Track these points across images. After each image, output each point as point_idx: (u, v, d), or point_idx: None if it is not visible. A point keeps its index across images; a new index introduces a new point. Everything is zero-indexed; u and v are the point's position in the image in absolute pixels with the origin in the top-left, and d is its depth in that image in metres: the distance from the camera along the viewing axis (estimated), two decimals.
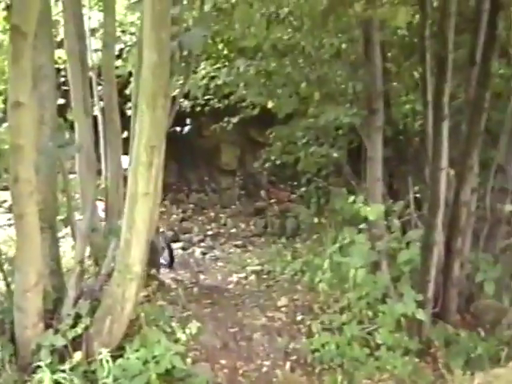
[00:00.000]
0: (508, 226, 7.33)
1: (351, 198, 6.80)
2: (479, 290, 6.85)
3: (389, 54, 10.30)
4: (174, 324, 5.66)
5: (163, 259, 10.04)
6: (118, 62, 9.96)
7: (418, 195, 8.02)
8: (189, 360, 5.72)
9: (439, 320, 6.75)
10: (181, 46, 5.48)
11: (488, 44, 6.50)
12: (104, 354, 4.82)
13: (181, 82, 7.85)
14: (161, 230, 10.18)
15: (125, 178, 5.98)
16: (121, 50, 11.08)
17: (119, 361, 5.00)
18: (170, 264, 10.30)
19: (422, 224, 7.13)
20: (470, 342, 6.28)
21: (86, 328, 5.18)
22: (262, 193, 15.42)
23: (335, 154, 10.43)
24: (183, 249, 12.31)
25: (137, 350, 5.15)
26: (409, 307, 6.18)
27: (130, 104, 8.11)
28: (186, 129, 13.94)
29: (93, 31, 9.30)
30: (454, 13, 6.08)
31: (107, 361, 4.83)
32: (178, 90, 7.77)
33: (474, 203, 7.07)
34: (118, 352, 5.17)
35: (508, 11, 6.84)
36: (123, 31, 11.40)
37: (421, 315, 6.17)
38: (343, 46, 9.80)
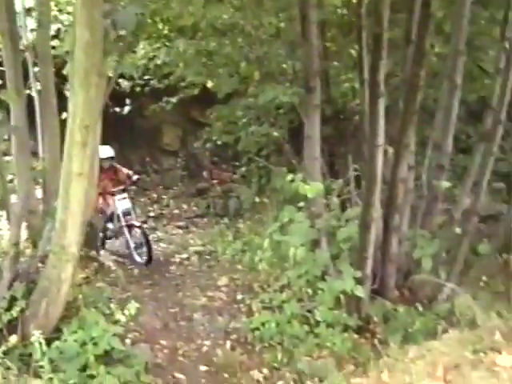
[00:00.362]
0: (444, 203, 7.42)
1: (290, 177, 6.80)
2: (417, 266, 6.93)
3: (328, 34, 10.37)
4: (112, 305, 5.60)
5: (139, 256, 9.35)
6: (56, 42, 9.77)
7: (358, 173, 8.06)
8: (128, 341, 5.76)
9: (378, 296, 6.80)
10: (114, 24, 5.39)
11: (422, 23, 6.53)
12: (37, 335, 4.74)
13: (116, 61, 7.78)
14: (137, 223, 9.65)
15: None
16: (58, 30, 10.89)
17: (56, 343, 4.94)
18: (148, 261, 9.18)
19: (361, 202, 7.18)
20: (408, 317, 6.37)
21: (22, 311, 5.11)
22: (205, 173, 15.28)
23: (276, 134, 10.47)
24: None
25: (74, 332, 5.10)
26: (347, 284, 6.25)
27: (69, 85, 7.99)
28: (126, 109, 13.79)
29: (28, 10, 9.10)
30: None
31: (40, 343, 4.74)
32: (113, 70, 7.68)
33: (411, 180, 7.14)
34: (55, 334, 5.11)
35: None
36: (60, 10, 11.18)
37: (359, 292, 6.25)
38: (282, 25, 9.80)
